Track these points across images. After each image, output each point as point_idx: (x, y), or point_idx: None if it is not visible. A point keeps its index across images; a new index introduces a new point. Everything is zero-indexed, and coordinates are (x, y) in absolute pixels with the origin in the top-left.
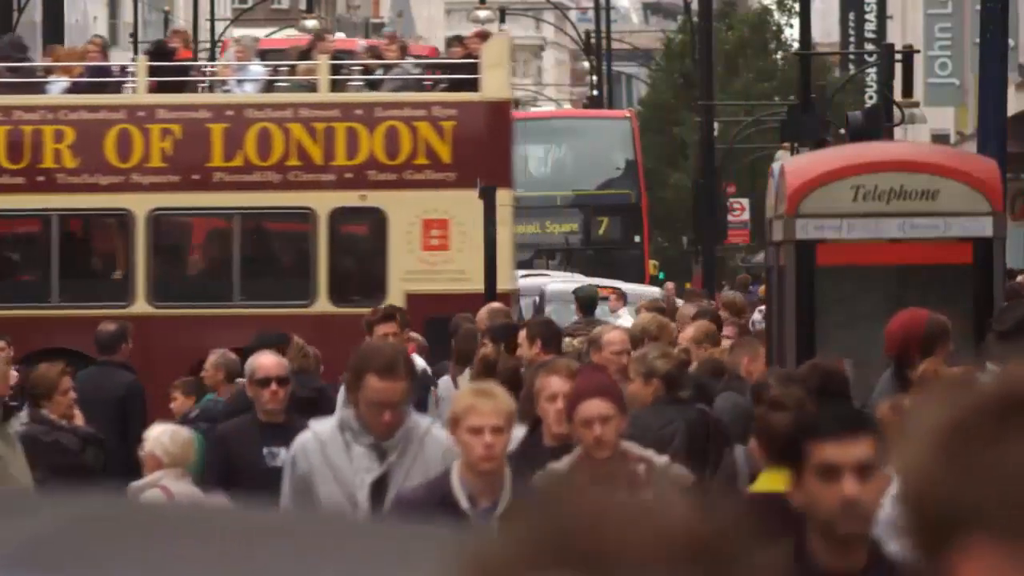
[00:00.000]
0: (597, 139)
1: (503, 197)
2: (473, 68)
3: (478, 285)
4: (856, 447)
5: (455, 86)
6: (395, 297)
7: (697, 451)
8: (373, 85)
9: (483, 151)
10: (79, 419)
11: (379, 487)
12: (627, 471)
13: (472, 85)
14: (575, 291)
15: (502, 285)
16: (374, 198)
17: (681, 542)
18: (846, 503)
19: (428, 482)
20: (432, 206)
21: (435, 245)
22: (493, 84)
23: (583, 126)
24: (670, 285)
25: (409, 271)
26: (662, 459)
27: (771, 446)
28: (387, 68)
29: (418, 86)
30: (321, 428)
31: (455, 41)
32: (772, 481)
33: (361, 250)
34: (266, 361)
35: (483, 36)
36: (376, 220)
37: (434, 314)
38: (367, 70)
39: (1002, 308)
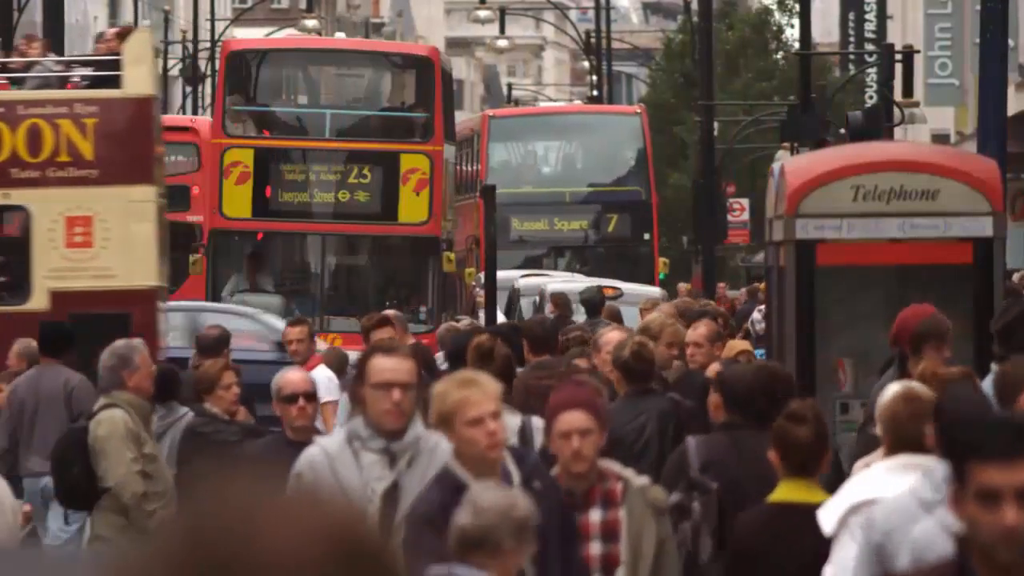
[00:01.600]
0: (607, 135)
1: (145, 193)
2: (115, 65)
3: (123, 282)
4: (1021, 471)
5: (99, 83)
6: (40, 295)
7: (670, 440)
8: (16, 84)
9: (125, 148)
10: (243, 414)
11: (392, 496)
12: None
13: (115, 82)
14: (581, 294)
15: (145, 281)
16: (17, 196)
17: (323, 546)
18: (1007, 533)
19: (435, 486)
20: (75, 203)
21: (79, 243)
22: (135, 81)
23: (592, 122)
24: (683, 286)
25: (53, 269)
26: (641, 479)
27: (790, 458)
28: (28, 66)
29: (61, 84)
30: (329, 442)
31: (99, 37)
32: (791, 491)
33: (5, 248)
34: (293, 377)
35: (124, 33)
36: (20, 218)
37: (79, 311)
38: (6, 68)
39: (1000, 308)
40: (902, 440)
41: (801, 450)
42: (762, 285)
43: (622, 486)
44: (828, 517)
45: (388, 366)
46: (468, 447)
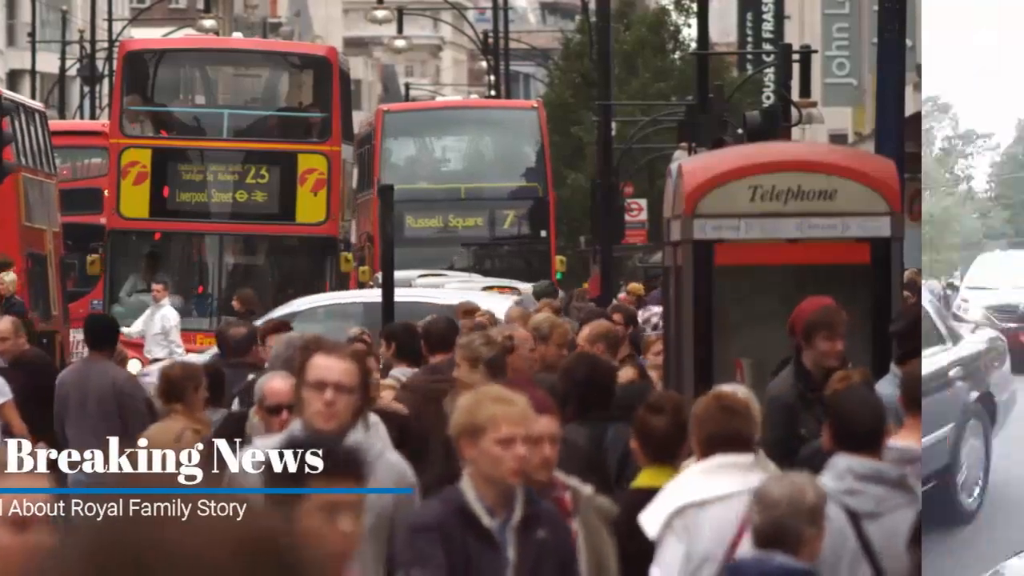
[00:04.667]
0: (503, 130)
1: None
2: None
3: None
4: None
5: None
6: None
7: None
8: None
9: None
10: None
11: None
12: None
13: None
14: (534, 287)
15: None
16: None
17: (229, 545)
18: None
19: (439, 499)
20: None
21: None
22: None
23: (489, 116)
24: (623, 296)
25: None
26: (587, 488)
27: (648, 446)
28: None
29: None
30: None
31: None
32: (652, 478)
33: None
34: (278, 386)
35: None
36: None
37: None
38: None
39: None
40: (715, 440)
41: (658, 439)
42: (633, 286)
43: (571, 495)
44: (651, 520)
45: (324, 364)
46: (491, 466)
